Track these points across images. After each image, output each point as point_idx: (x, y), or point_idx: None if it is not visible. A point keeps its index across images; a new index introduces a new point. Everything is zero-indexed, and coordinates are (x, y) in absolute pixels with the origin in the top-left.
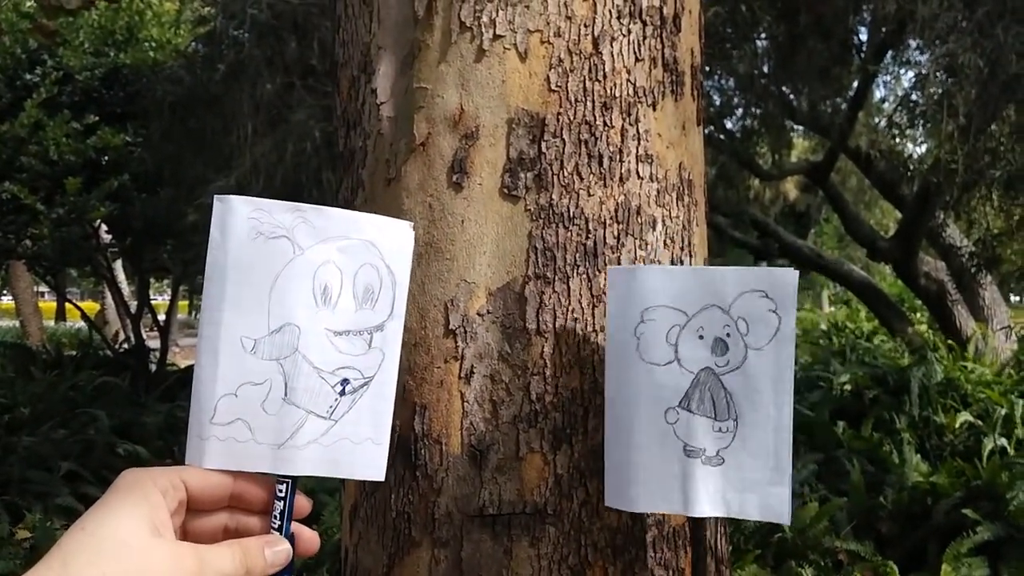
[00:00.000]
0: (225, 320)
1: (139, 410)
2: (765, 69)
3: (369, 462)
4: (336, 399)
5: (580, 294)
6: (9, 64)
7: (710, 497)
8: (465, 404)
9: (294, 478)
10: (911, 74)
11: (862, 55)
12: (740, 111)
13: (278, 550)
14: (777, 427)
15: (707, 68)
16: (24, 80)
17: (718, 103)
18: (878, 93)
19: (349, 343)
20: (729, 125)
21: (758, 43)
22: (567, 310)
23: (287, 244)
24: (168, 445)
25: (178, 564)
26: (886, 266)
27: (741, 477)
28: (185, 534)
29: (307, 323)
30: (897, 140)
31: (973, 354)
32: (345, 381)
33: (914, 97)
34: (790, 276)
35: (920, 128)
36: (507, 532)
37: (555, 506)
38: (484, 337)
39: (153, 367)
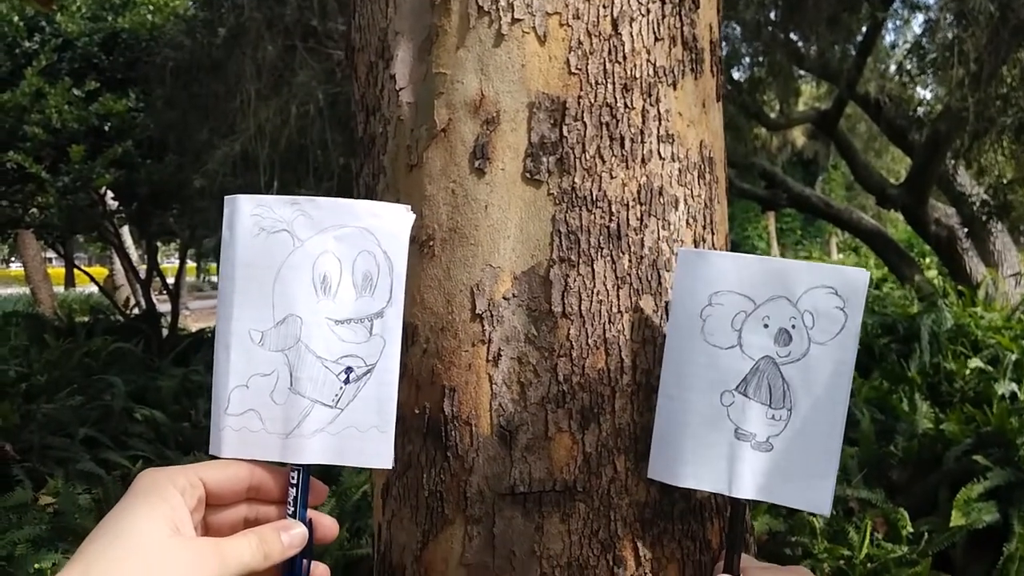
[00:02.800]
0: (235, 315)
1: (153, 374)
2: (772, 16)
3: (375, 450)
4: (341, 387)
5: (604, 276)
6: (8, 32)
7: (754, 481)
8: (494, 386)
9: (306, 466)
10: (921, 18)
11: (871, 0)
12: (747, 60)
13: (294, 533)
14: (831, 422)
15: None
16: (23, 48)
17: (725, 52)
18: (888, 38)
19: (350, 331)
20: (736, 75)
21: None
22: (592, 292)
23: (287, 237)
24: (184, 409)
25: (198, 559)
26: (896, 213)
27: (788, 466)
28: (207, 529)
29: (309, 313)
30: (907, 86)
31: (983, 300)
32: (349, 369)
33: (924, 43)
34: (862, 276)
35: (930, 74)
36: (538, 509)
37: (584, 483)
38: (511, 320)
39: (165, 331)
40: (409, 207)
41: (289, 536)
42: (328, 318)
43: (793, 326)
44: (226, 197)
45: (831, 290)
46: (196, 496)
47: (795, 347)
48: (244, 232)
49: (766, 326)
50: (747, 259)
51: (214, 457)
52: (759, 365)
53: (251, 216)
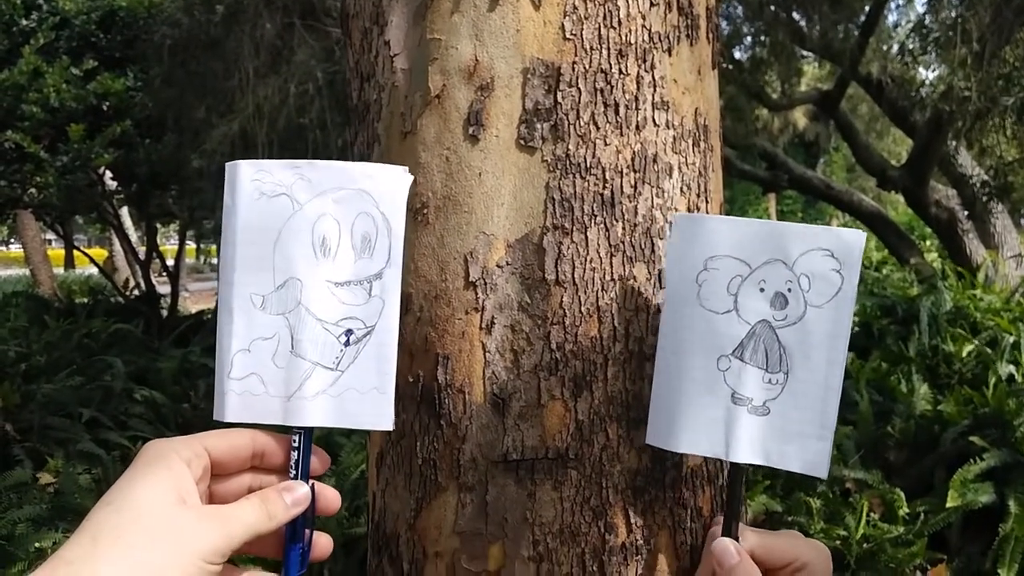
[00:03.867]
0: (237, 279)
1: (153, 356)
2: None
3: (376, 411)
4: (341, 350)
5: (598, 244)
6: (5, 10)
7: (751, 445)
8: (487, 354)
9: (307, 429)
10: None
11: None
12: (749, 39)
13: (297, 494)
14: (827, 385)
15: None
16: (20, 26)
17: (727, 32)
18: (891, 18)
19: (350, 293)
20: (738, 55)
21: None
22: (585, 260)
23: (287, 201)
24: (184, 390)
25: (204, 525)
26: (897, 195)
27: (785, 429)
28: (212, 499)
29: (308, 276)
30: (909, 66)
31: (983, 282)
32: (349, 332)
33: (927, 22)
34: (857, 238)
35: (933, 54)
36: (530, 476)
37: (576, 451)
38: (504, 288)
39: (164, 313)
40: (405, 168)
41: (292, 496)
42: (328, 280)
43: (789, 289)
44: (227, 163)
45: (827, 252)
46: (201, 466)
47: (791, 310)
48: (245, 197)
49: (762, 290)
50: (742, 223)
51: (218, 424)
52: (755, 329)
53: (252, 181)
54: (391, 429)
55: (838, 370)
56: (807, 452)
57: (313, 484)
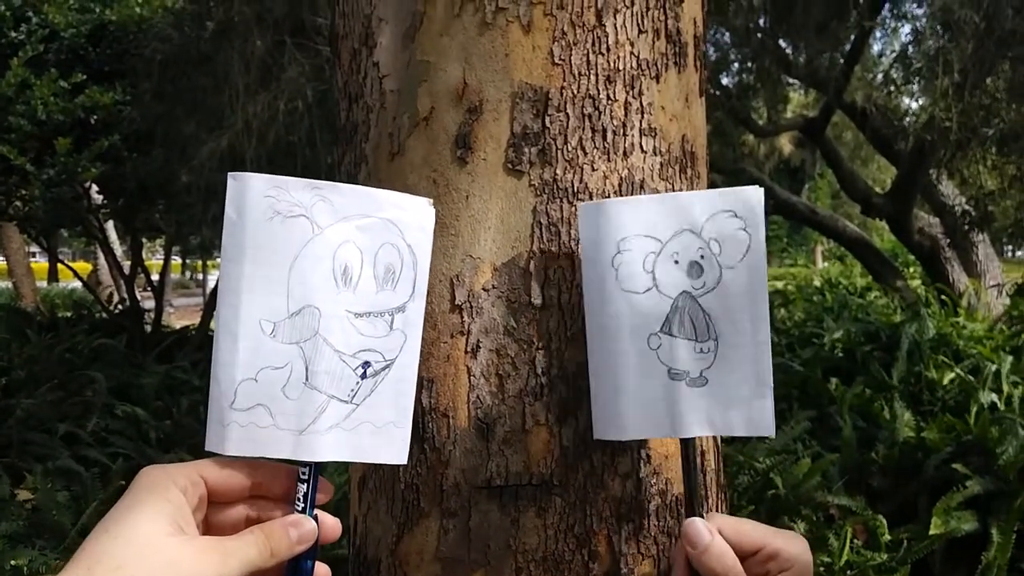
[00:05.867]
0: (243, 303)
1: (136, 371)
2: (762, 23)
3: (391, 446)
4: (358, 383)
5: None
6: None
7: (697, 418)
8: (472, 378)
9: (317, 463)
10: (908, 28)
11: (859, 8)
12: (736, 66)
13: (304, 530)
14: (756, 342)
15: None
16: (9, 38)
17: (714, 58)
18: (875, 47)
19: (370, 325)
20: (725, 81)
21: None
22: (571, 284)
23: (306, 223)
24: (166, 406)
25: (201, 557)
26: (881, 222)
27: (725, 395)
28: (208, 528)
29: (327, 305)
30: (893, 96)
31: (965, 310)
32: (367, 364)
33: (910, 52)
34: (756, 193)
35: (916, 84)
36: (514, 502)
37: (561, 477)
38: (490, 312)
39: (148, 328)
40: (430, 201)
41: (299, 532)
42: (348, 311)
43: (702, 256)
44: (231, 174)
45: (731, 213)
46: (198, 495)
47: (708, 277)
48: (256, 213)
49: (676, 262)
50: (643, 200)
51: (213, 454)
52: (678, 302)
53: (264, 197)
54: (405, 463)
55: (764, 325)
56: (750, 412)
57: (316, 515)
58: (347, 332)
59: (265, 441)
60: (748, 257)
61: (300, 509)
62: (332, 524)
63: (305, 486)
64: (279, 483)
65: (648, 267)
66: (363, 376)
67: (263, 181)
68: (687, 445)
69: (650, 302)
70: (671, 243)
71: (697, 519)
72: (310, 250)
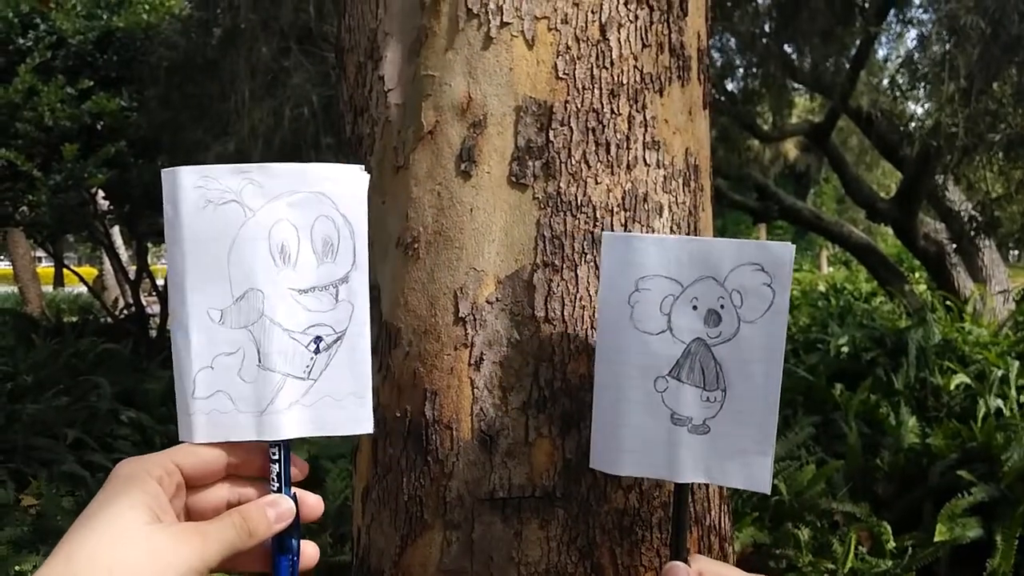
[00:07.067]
0: (189, 295)
1: (141, 376)
2: (767, 28)
3: (354, 417)
4: (312, 358)
5: (588, 282)
6: (1, 29)
7: (694, 464)
8: (475, 391)
9: (285, 441)
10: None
11: (864, 14)
12: (741, 71)
13: (281, 509)
14: (765, 399)
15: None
16: (17, 45)
17: (719, 63)
18: (881, 52)
19: (316, 300)
20: (730, 86)
21: (759, 2)
22: (575, 298)
23: (237, 208)
24: (171, 412)
25: (181, 544)
26: (886, 227)
27: (726, 446)
28: (190, 513)
29: (270, 286)
30: (898, 101)
31: (971, 315)
32: (318, 339)
33: (916, 57)
34: (786, 251)
35: (922, 89)
36: (517, 515)
37: (564, 489)
38: (493, 324)
39: (154, 333)
40: (362, 167)
41: (276, 512)
42: (291, 288)
43: (722, 306)
44: (163, 170)
45: (757, 267)
46: (175, 483)
47: (725, 327)
48: (188, 206)
49: (695, 308)
50: (671, 240)
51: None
52: (690, 348)
53: (195, 188)
54: (372, 432)
55: (775, 384)
56: (749, 467)
57: (295, 493)
58: (293, 310)
59: (229, 426)
60: (769, 314)
61: (276, 488)
62: (313, 502)
63: (277, 466)
64: (255, 461)
65: (665, 309)
66: (316, 351)
67: (193, 173)
68: (681, 489)
69: (662, 344)
70: (692, 288)
71: (678, 563)
72: (244, 233)
